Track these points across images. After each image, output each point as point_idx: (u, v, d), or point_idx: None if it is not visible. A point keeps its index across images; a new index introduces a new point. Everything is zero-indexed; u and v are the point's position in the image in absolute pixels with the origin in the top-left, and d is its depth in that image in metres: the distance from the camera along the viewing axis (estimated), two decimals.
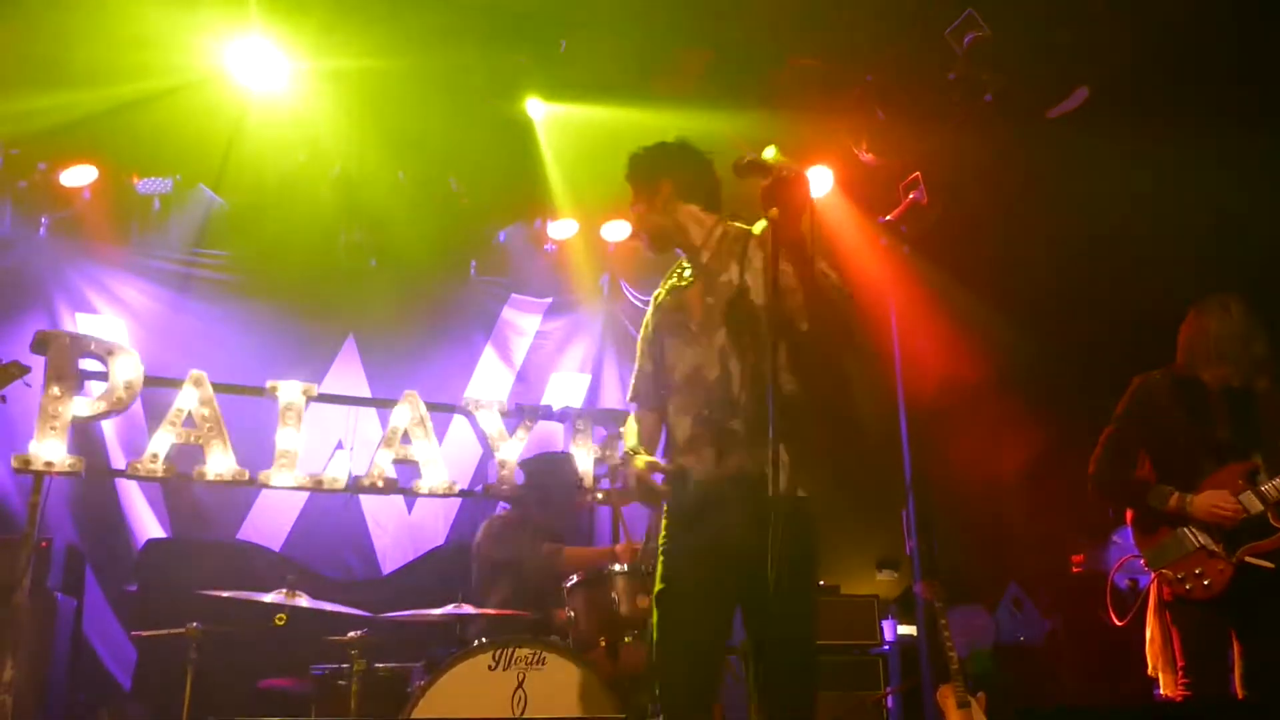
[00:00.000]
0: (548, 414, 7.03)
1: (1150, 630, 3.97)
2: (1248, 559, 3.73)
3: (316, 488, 6.39)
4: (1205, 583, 3.75)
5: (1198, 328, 4.01)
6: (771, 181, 2.84)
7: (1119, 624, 4.08)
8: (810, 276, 2.91)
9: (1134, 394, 4.07)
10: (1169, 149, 5.43)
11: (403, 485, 6.55)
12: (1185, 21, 5.17)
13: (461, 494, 6.76)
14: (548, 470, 5.80)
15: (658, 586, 3.06)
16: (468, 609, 4.64)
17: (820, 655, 5.48)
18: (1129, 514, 4.05)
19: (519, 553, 5.25)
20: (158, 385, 6.23)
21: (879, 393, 7.35)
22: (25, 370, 4.93)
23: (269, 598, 4.50)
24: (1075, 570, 6.44)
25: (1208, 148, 5.31)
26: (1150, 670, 3.97)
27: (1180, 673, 3.81)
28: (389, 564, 6.99)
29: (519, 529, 5.40)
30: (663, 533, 3.14)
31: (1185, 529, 3.83)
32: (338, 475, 6.42)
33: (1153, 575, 3.94)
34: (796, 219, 2.85)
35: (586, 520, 7.21)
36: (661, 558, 3.11)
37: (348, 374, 7.22)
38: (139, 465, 6.02)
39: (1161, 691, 3.92)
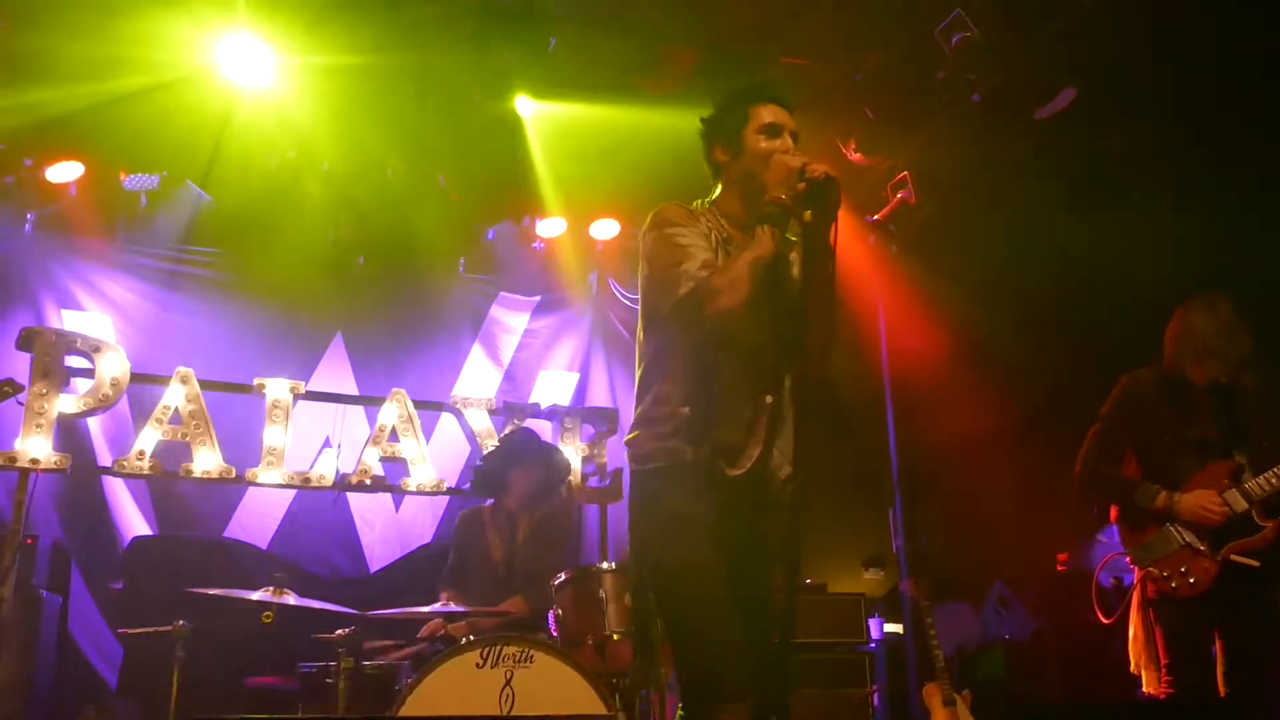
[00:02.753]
0: (536, 412, 7.02)
1: (1133, 628, 4.00)
2: (1233, 557, 3.76)
3: (304, 485, 6.38)
4: (1191, 580, 3.78)
5: (1185, 326, 4.04)
6: (810, 185, 2.75)
7: (1106, 622, 4.11)
8: (834, 290, 2.84)
9: (1121, 392, 4.10)
10: (1155, 150, 5.46)
11: (390, 483, 6.54)
12: (1174, 21, 5.20)
13: (449, 492, 6.75)
14: (505, 452, 5.49)
15: (686, 572, 2.75)
16: (455, 607, 4.63)
17: (806, 653, 5.57)
18: (1115, 512, 4.08)
19: (464, 544, 5.26)
20: (144, 382, 6.20)
21: (867, 391, 7.38)
22: (19, 389, 4.95)
23: (256, 595, 4.48)
24: (1060, 569, 6.47)
25: (1195, 148, 5.34)
26: (1133, 668, 3.99)
27: (1164, 670, 3.84)
28: (376, 562, 6.98)
29: (472, 518, 5.38)
30: (675, 510, 2.79)
31: (1171, 527, 3.85)
32: (325, 473, 6.40)
33: (1137, 573, 3.97)
34: (830, 226, 2.79)
35: (575, 521, 7.16)
36: (686, 538, 2.76)
37: (335, 371, 7.20)
38: (125, 462, 6.00)
39: (1144, 689, 3.94)
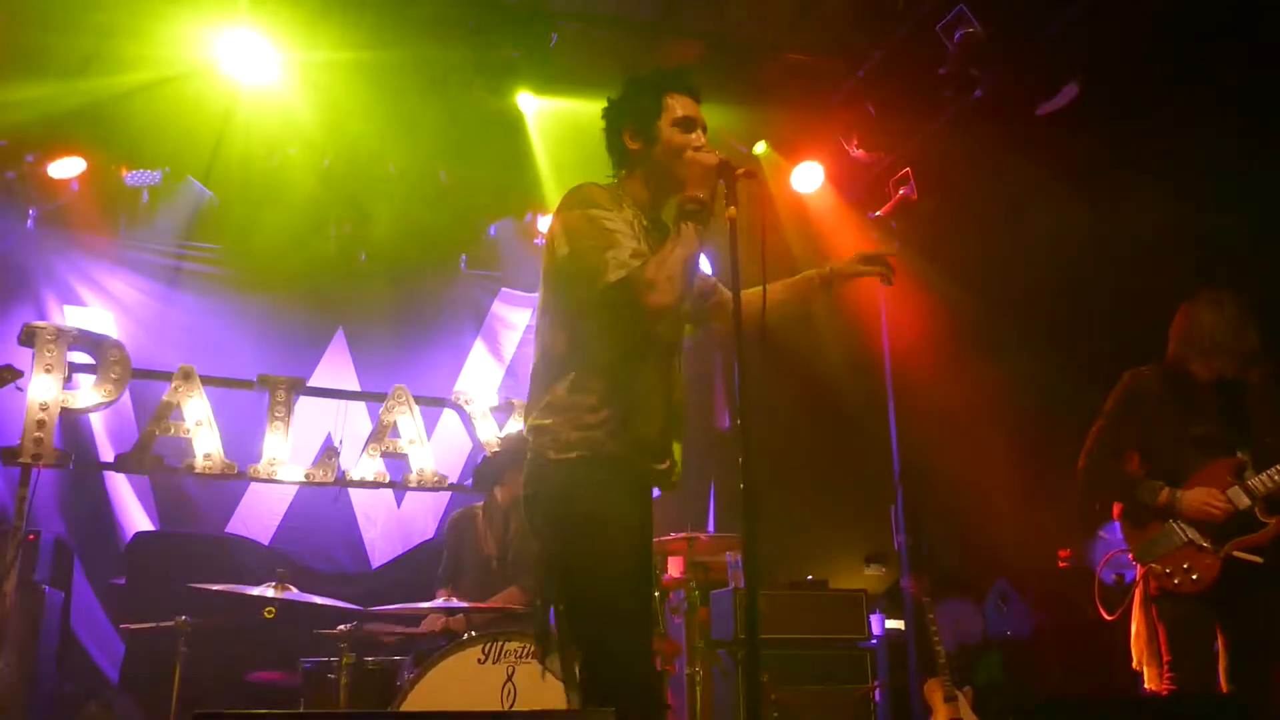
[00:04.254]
0: None
1: (1135, 624, 3.99)
2: (1236, 554, 3.76)
3: (305, 481, 6.38)
4: (1193, 577, 3.78)
5: (1191, 321, 4.03)
6: (732, 179, 2.71)
7: (1109, 619, 4.10)
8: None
9: (1124, 389, 4.09)
10: (1160, 144, 5.44)
11: (392, 479, 6.55)
12: (1177, 17, 5.19)
13: (451, 488, 6.76)
14: (506, 453, 5.47)
15: (618, 567, 2.73)
16: (457, 602, 4.63)
17: (807, 649, 5.57)
18: (1117, 508, 4.07)
19: (456, 543, 5.26)
20: (146, 378, 6.22)
21: (868, 388, 7.37)
22: (18, 374, 4.95)
23: (258, 591, 4.49)
24: (1062, 565, 6.46)
25: (1197, 145, 5.33)
26: (1135, 664, 3.99)
27: (1166, 667, 3.83)
28: (378, 558, 6.99)
29: (464, 518, 5.38)
30: (600, 509, 2.75)
31: (1174, 523, 3.85)
32: (327, 469, 6.41)
33: (1140, 569, 3.97)
34: (759, 220, 2.76)
35: None
36: (611, 533, 2.74)
37: (337, 367, 7.21)
38: (127, 458, 6.01)
39: (1146, 685, 3.94)
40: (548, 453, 2.79)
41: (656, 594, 3.01)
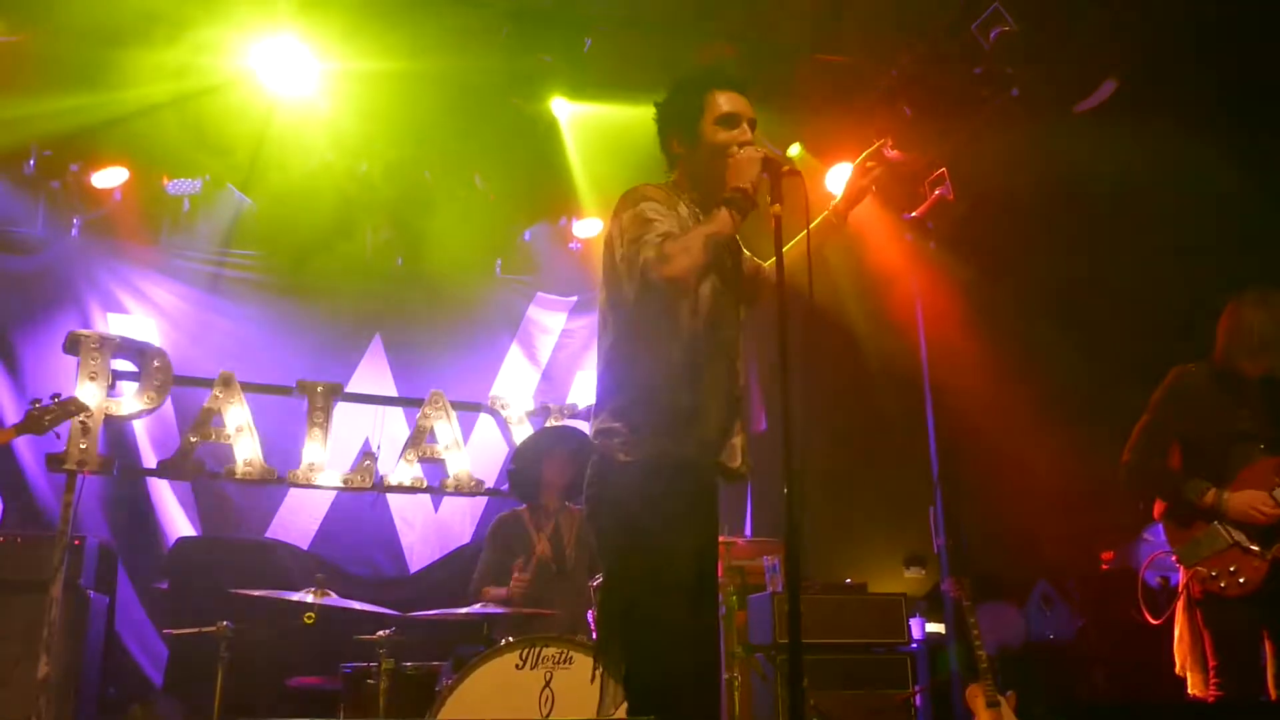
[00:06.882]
0: (573, 412, 7.04)
1: (1179, 628, 3.93)
2: None
3: (344, 486, 6.43)
4: (1240, 580, 3.72)
5: (1238, 319, 3.98)
6: (778, 175, 2.73)
7: (1154, 623, 4.04)
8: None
9: (1170, 385, 4.04)
10: (1198, 142, 5.37)
11: (430, 484, 6.58)
12: (1213, 12, 5.12)
13: (488, 492, 6.78)
14: (530, 448, 5.47)
15: (677, 575, 2.71)
16: (495, 608, 4.65)
17: (847, 653, 5.54)
18: (1159, 507, 4.02)
19: (501, 547, 5.23)
20: (188, 385, 6.29)
21: (906, 389, 7.32)
22: (84, 408, 5.08)
23: (298, 596, 4.52)
24: (1104, 567, 6.38)
25: (1238, 140, 5.25)
26: (1178, 669, 3.93)
27: (1211, 672, 3.77)
28: (416, 562, 7.02)
29: (509, 521, 5.36)
30: (656, 516, 2.73)
31: (1219, 524, 3.79)
32: (365, 474, 6.45)
33: (1184, 572, 3.91)
34: (804, 219, 2.82)
35: None
36: (674, 539, 2.73)
37: (375, 373, 7.25)
38: (169, 464, 6.08)
39: (1191, 691, 3.88)
40: (617, 455, 2.78)
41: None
